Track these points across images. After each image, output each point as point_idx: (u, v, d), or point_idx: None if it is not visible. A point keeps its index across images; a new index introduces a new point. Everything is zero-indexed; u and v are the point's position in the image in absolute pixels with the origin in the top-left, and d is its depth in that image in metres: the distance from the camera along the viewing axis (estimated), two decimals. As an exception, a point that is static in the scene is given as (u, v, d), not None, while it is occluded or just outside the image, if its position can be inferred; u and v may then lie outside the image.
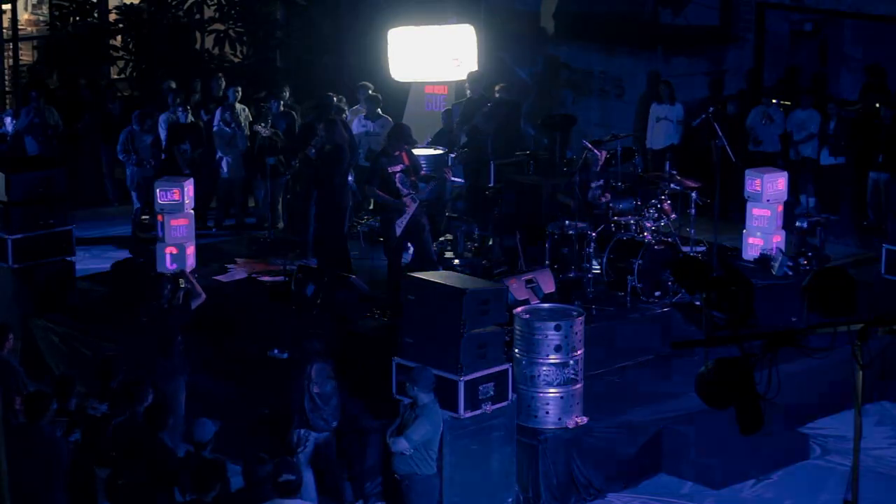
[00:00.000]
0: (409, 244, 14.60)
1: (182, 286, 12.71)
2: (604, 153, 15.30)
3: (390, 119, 17.85)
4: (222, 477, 9.78)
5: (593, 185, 15.09)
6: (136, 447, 10.28)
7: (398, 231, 14.10)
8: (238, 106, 19.04)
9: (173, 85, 19.48)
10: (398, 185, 14.09)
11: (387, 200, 14.12)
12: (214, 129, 18.86)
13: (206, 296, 12.68)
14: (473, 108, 16.24)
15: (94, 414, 11.02)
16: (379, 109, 18.24)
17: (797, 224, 16.09)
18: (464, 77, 18.33)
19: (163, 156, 18.55)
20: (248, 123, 18.93)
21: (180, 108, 19.01)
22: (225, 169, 18.91)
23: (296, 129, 18.14)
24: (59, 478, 10.20)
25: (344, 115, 17.59)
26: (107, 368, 11.69)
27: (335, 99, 17.77)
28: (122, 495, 10.26)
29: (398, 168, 14.15)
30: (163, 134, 18.88)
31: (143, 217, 15.97)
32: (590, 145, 15.11)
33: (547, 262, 14.74)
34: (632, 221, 14.92)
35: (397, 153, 14.23)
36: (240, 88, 19.19)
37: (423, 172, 14.68)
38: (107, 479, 10.48)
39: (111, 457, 10.46)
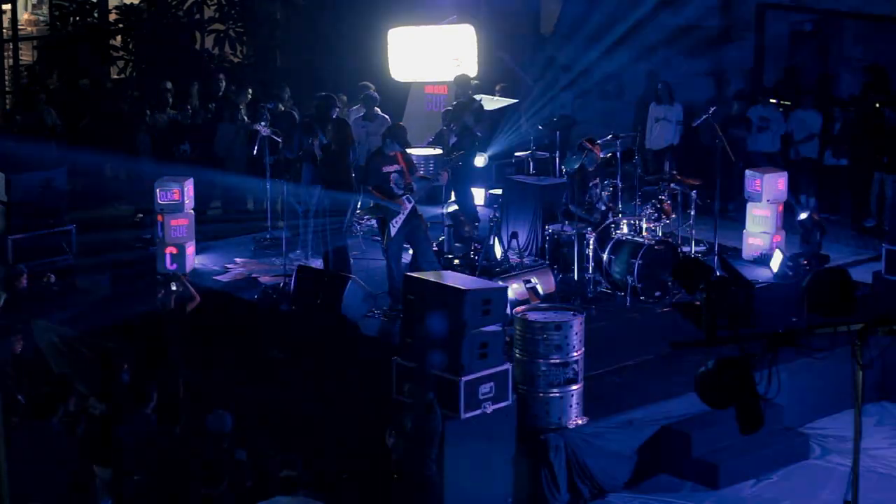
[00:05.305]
0: (406, 245, 14.58)
1: (174, 289, 12.58)
2: (602, 153, 15.29)
3: (389, 119, 17.83)
4: (234, 473, 9.73)
5: (592, 184, 15.09)
6: (142, 447, 10.27)
7: (394, 231, 14.09)
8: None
9: (168, 85, 19.47)
10: (392, 185, 14.08)
11: (381, 200, 14.11)
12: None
13: (199, 298, 12.60)
14: (461, 109, 16.26)
15: (94, 413, 11.02)
16: (377, 109, 18.21)
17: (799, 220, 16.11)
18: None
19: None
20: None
21: (188, 108, 18.99)
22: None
23: (295, 129, 18.11)
24: (64, 476, 10.20)
25: (345, 112, 17.57)
26: (108, 365, 11.67)
27: (338, 98, 17.73)
28: (125, 495, 10.25)
29: (393, 168, 14.14)
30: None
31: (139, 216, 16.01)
32: (588, 145, 15.10)
33: (547, 262, 14.74)
34: (632, 221, 14.91)
35: (392, 153, 14.22)
36: (251, 90, 19.20)
37: (420, 173, 14.65)
38: (110, 478, 10.48)
39: (115, 457, 10.46)
